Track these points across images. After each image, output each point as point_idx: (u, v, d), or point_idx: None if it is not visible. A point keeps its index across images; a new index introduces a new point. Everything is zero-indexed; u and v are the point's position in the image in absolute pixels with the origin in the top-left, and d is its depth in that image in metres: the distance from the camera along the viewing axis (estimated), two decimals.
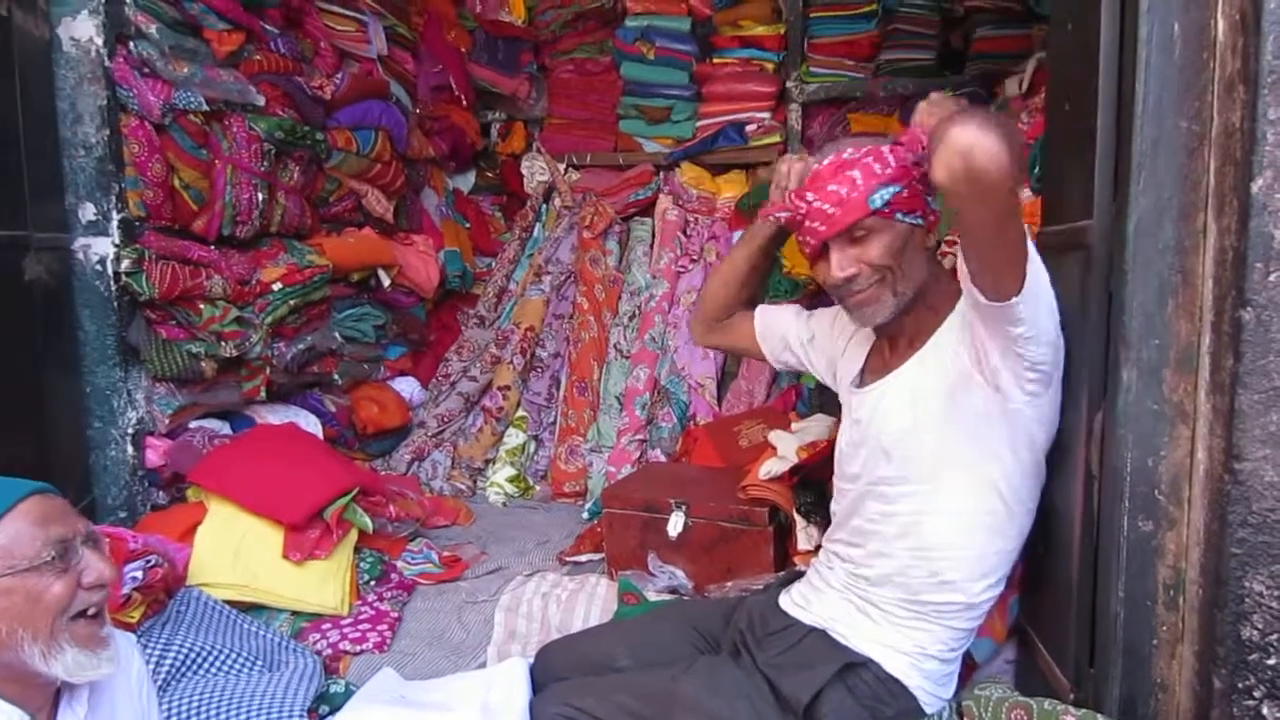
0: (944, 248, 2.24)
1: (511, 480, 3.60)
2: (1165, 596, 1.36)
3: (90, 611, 1.23)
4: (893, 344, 1.66)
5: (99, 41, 2.39)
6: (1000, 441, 1.50)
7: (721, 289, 2.01)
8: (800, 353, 1.91)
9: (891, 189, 1.47)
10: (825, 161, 1.53)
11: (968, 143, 1.20)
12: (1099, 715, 1.33)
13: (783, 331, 1.94)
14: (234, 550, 2.36)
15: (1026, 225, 1.32)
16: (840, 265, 1.54)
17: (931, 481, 1.54)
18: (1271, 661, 1.21)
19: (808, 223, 1.54)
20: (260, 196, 2.93)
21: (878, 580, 1.61)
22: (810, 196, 1.53)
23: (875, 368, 1.70)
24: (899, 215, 1.50)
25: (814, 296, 3.50)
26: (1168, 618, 1.36)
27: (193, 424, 2.79)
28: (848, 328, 1.80)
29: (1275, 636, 1.21)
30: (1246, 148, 1.20)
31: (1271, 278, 1.18)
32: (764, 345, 1.97)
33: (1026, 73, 3.06)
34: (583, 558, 2.78)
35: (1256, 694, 1.23)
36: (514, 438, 3.73)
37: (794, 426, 2.52)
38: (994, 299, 1.33)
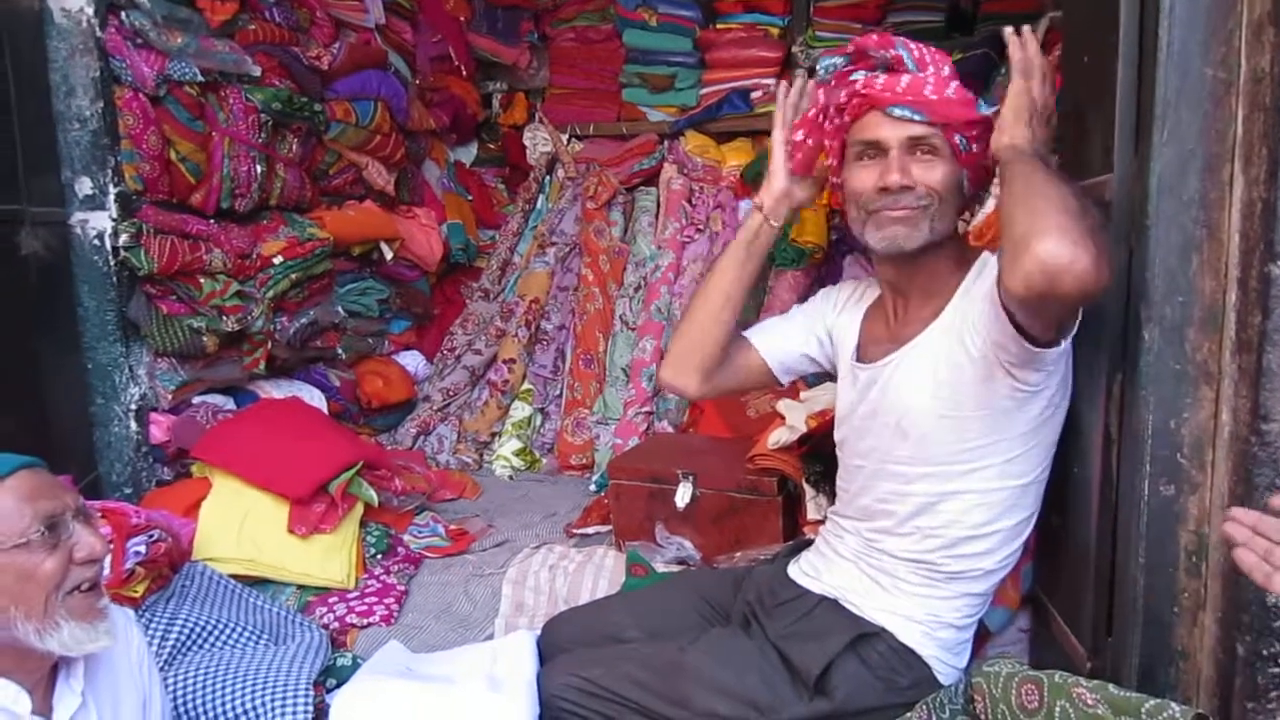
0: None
1: (518, 453, 3.57)
2: (1187, 562, 1.32)
3: (84, 586, 1.20)
4: (904, 304, 1.59)
5: (90, 12, 2.34)
6: (1024, 421, 1.45)
7: (713, 324, 1.69)
8: (817, 342, 1.76)
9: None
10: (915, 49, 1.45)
11: (1060, 264, 1.14)
12: (1110, 686, 1.29)
13: (787, 338, 1.78)
14: (239, 525, 2.34)
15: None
16: (901, 170, 1.44)
17: (951, 464, 1.49)
18: None
19: (881, 91, 1.43)
20: (258, 169, 2.89)
21: (890, 551, 1.57)
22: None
23: (880, 337, 1.61)
24: (967, 146, 1.45)
25: (819, 267, 3.45)
26: (1189, 584, 1.33)
27: (196, 399, 2.77)
28: (837, 300, 1.74)
29: None
30: (1276, 94, 1.14)
31: None
32: (776, 365, 1.77)
33: (1038, 33, 2.99)
34: (590, 530, 2.76)
35: None
36: (520, 411, 3.70)
37: (802, 395, 2.48)
38: (1030, 343, 1.33)
